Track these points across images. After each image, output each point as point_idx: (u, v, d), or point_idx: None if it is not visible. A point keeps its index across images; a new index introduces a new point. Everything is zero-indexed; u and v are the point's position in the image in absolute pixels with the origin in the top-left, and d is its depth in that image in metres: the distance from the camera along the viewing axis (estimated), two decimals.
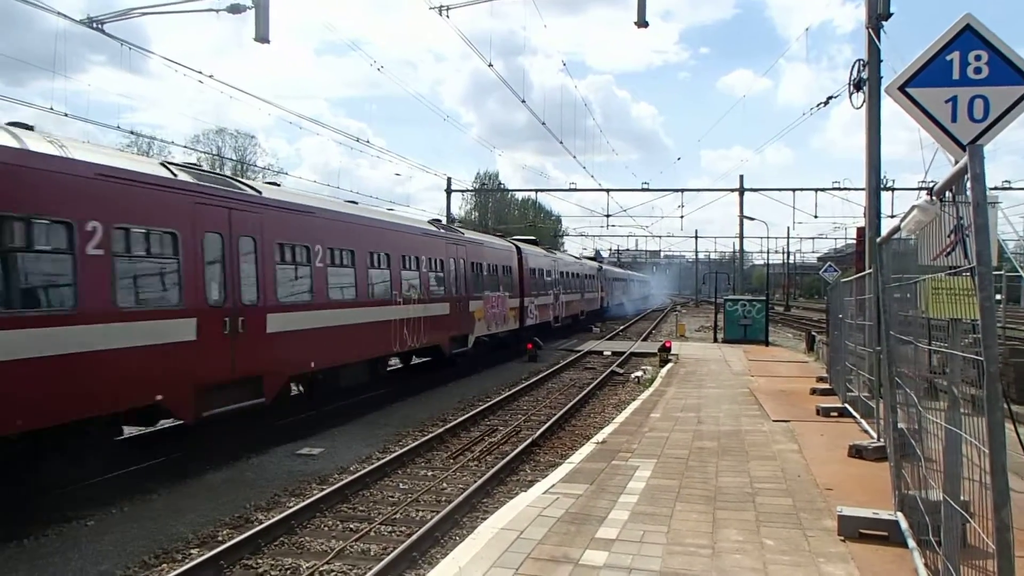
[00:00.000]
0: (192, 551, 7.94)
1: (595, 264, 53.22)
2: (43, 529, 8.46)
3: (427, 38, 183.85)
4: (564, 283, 38.85)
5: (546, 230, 70.69)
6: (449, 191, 42.46)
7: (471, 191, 76.10)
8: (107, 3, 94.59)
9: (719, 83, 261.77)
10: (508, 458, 11.64)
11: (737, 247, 49.27)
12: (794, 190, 41.23)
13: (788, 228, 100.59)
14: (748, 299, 34.93)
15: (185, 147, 50.46)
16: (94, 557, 7.72)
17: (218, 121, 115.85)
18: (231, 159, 56.68)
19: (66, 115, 20.18)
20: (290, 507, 9.18)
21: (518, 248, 30.58)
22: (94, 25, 12.85)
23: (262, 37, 12.64)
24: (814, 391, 16.22)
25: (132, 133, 46.41)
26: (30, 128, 9.21)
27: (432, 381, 20.14)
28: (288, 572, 7.40)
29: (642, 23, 14.24)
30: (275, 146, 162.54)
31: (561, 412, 15.75)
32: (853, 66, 14.63)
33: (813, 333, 30.17)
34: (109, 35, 12.72)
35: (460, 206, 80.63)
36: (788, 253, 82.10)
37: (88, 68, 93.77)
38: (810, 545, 6.45)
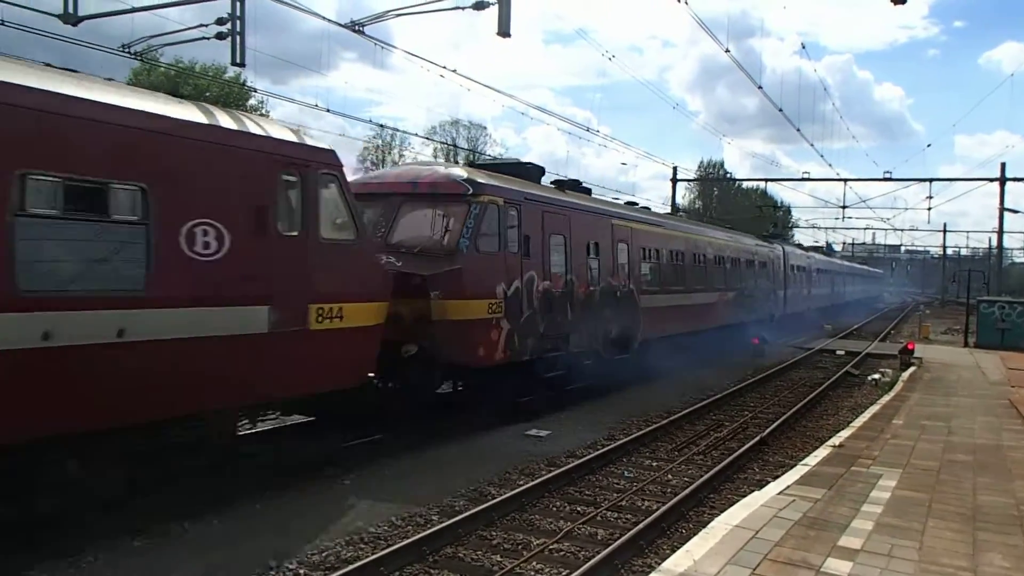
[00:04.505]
0: (433, 517, 8.50)
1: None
2: (308, 484, 9.45)
3: (653, 24, 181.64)
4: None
5: (775, 221, 67.54)
6: (675, 180, 41.85)
7: (695, 180, 74.46)
8: (355, 3, 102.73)
9: (981, 59, 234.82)
10: (736, 455, 11.37)
11: (995, 243, 44.32)
12: None
13: None
14: (1008, 300, 31.37)
15: (426, 138, 53.59)
16: (350, 514, 8.50)
17: (452, 112, 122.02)
18: (464, 148, 59.49)
19: (328, 110, 22.28)
20: (521, 485, 9.56)
21: None
22: (356, 28, 14.06)
23: (504, 32, 13.13)
24: None
25: (380, 126, 50.03)
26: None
27: (653, 372, 20.00)
28: (519, 547, 7.70)
29: None
30: (504, 135, 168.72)
31: (791, 411, 15.11)
32: None
33: None
34: (368, 36, 13.89)
35: (683, 195, 79.17)
36: None
37: (340, 65, 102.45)
38: None
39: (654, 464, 11.23)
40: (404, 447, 11.14)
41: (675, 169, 42.06)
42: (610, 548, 7.38)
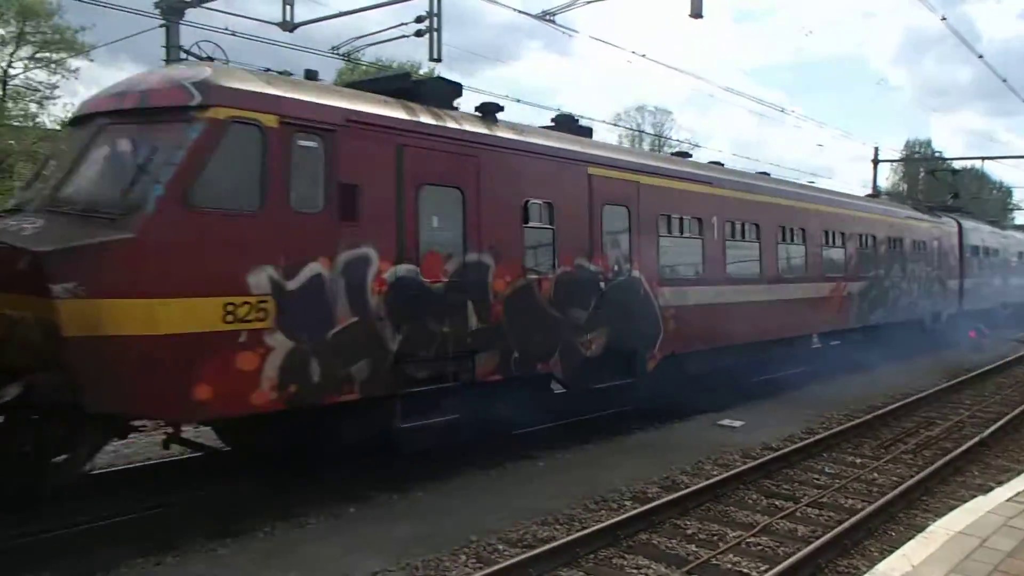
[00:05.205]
0: (626, 503, 8.53)
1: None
2: (508, 464, 9.86)
3: None
4: None
5: (992, 203, 61.47)
6: (876, 161, 39.05)
7: (899, 160, 68.99)
8: None
9: None
10: (951, 455, 10.50)
11: None
12: None
13: None
14: None
15: (614, 124, 53.41)
16: (544, 493, 8.72)
17: (637, 98, 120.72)
18: (650, 134, 58.81)
19: (519, 101, 22.80)
20: (714, 475, 9.38)
21: None
22: (547, 18, 14.30)
23: (696, 12, 12.85)
24: None
25: (568, 115, 50.53)
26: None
27: (852, 366, 18.89)
28: (714, 538, 7.56)
29: None
30: (689, 120, 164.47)
31: (1016, 411, 13.73)
32: None
33: None
34: (560, 26, 14.07)
35: (887, 177, 73.76)
36: None
37: (524, 55, 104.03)
38: None
39: (858, 461, 10.62)
40: (597, 433, 11.25)
41: (876, 150, 39.27)
42: (813, 546, 7.07)
